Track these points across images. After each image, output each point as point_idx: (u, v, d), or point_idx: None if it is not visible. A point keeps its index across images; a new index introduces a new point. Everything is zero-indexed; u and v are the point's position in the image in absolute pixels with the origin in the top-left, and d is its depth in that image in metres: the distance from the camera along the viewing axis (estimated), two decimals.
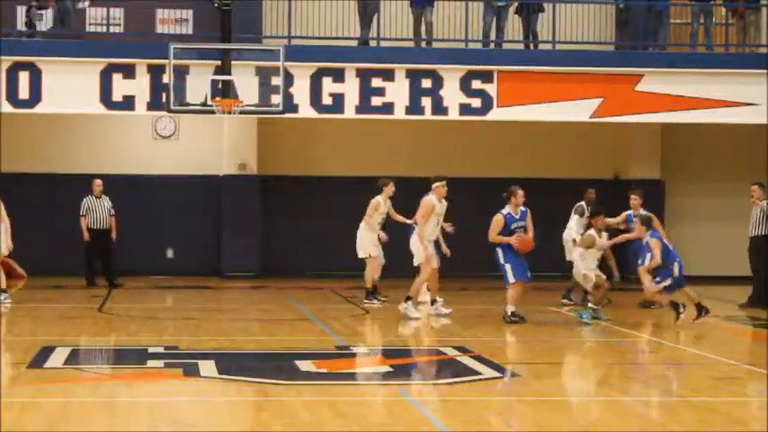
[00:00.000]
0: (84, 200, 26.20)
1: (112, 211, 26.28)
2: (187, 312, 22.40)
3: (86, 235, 26.17)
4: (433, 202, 20.60)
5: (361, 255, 23.56)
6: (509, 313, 19.81)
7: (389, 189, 23.71)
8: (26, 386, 14.36)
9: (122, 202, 26.59)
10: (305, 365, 15.63)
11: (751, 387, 15.29)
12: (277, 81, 25.05)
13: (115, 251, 26.32)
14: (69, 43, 26.72)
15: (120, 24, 27.84)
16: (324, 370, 15.44)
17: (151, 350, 17.15)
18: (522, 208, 20.04)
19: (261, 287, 27.14)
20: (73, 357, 16.54)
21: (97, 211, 26.26)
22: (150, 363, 16.21)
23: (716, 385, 15.19)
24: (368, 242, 23.50)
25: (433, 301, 21.89)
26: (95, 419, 12.38)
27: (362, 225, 23.60)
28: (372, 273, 23.53)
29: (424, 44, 27.01)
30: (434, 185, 20.71)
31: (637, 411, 13.00)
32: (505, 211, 19.62)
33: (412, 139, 28.24)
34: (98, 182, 26.33)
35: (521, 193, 19.75)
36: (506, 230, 19.30)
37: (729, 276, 27.09)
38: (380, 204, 23.54)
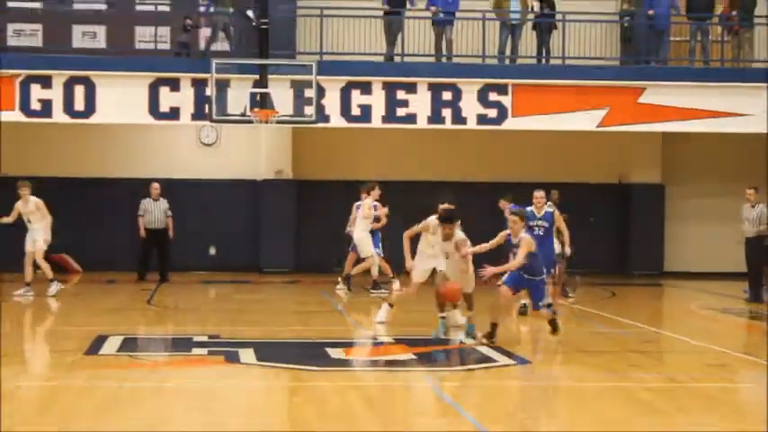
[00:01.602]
0: (143, 202, 26.33)
1: (169, 213, 26.38)
2: (228, 304, 22.49)
3: (143, 233, 26.37)
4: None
5: (364, 255, 23.85)
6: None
7: (376, 193, 24.04)
8: (83, 371, 14.48)
9: (169, 204, 26.68)
10: (335, 353, 15.69)
11: (743, 373, 15.37)
12: (310, 93, 25.17)
13: (170, 249, 26.52)
14: (120, 59, 26.87)
15: (166, 41, 27.93)
16: (353, 357, 15.50)
17: (196, 339, 17.28)
18: (549, 209, 19.69)
19: (295, 282, 27.17)
20: (125, 345, 16.59)
21: (154, 212, 26.38)
22: (195, 350, 16.29)
23: (710, 371, 15.25)
24: (367, 242, 23.78)
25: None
26: (145, 402, 12.50)
27: (360, 227, 23.84)
28: (367, 267, 23.98)
29: (444, 59, 27.02)
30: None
31: (638, 396, 13.03)
32: (529, 208, 19.00)
33: (433, 146, 28.24)
34: (155, 185, 26.46)
35: (538, 194, 19.45)
36: (525, 226, 17.72)
37: (722, 273, 27.06)
38: (370, 206, 23.87)
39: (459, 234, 17.65)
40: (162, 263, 26.62)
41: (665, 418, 11.69)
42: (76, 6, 28.21)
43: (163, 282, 25.97)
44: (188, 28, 25.98)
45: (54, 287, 22.42)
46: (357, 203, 23.96)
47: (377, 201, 23.73)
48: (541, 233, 18.88)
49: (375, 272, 23.85)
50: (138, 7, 28.32)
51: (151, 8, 28.23)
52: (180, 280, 26.15)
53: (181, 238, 27.03)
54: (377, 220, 23.62)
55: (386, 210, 23.75)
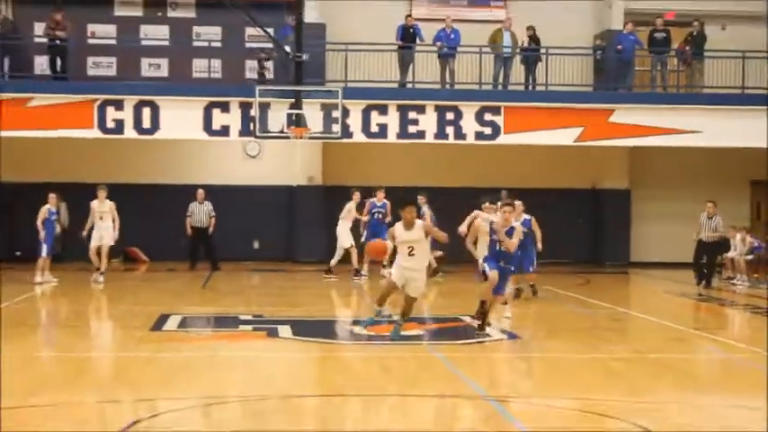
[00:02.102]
0: (190, 205, 26.33)
1: (212, 213, 26.28)
2: (269, 289, 22.46)
3: (189, 231, 26.35)
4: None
5: (345, 246, 24.01)
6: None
7: (356, 197, 24.30)
8: (148, 345, 14.49)
9: (221, 205, 26.62)
10: (359, 330, 15.68)
11: (696, 346, 15.33)
12: (336, 114, 25.17)
13: (214, 243, 26.53)
14: (180, 86, 26.93)
15: (218, 71, 27.98)
16: (373, 333, 15.48)
17: (242, 317, 17.25)
18: (527, 216, 18.69)
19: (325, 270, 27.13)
20: (183, 323, 16.66)
21: (199, 213, 26.31)
22: (241, 327, 16.31)
23: (669, 345, 15.21)
24: (346, 236, 24.00)
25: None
26: (200, 370, 12.50)
27: (341, 223, 24.09)
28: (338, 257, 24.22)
29: (447, 86, 26.99)
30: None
31: (609, 366, 13.00)
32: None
33: (437, 157, 28.14)
34: (200, 191, 26.40)
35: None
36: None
37: (678, 263, 26.98)
38: (352, 208, 24.09)
39: (420, 222, 14.05)
40: (209, 255, 26.59)
41: (631, 382, 11.69)
42: (144, 42, 28.28)
43: (214, 270, 25.95)
44: (262, 62, 26.00)
45: (101, 278, 22.12)
46: (348, 205, 24.23)
47: (386, 201, 23.80)
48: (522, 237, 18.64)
49: (353, 261, 24.06)
50: (195, 43, 28.35)
51: (205, 44, 28.30)
52: (229, 268, 26.12)
53: (230, 233, 27.02)
54: (385, 216, 23.62)
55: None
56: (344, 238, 24.04)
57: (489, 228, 14.57)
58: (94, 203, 22.17)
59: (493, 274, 14.27)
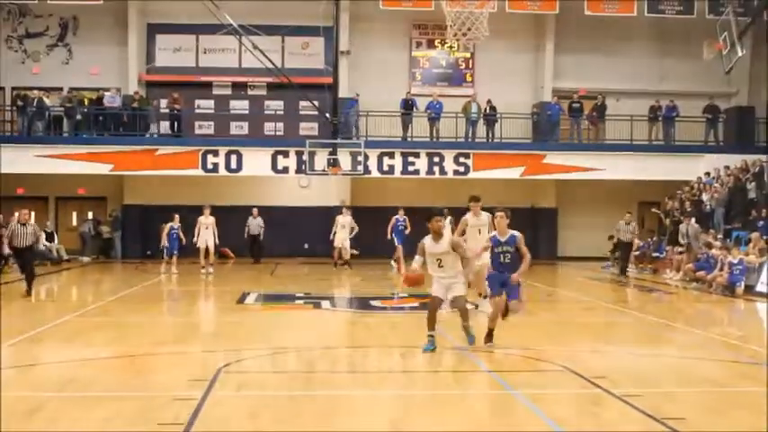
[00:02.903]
0: (249, 219, 25.98)
1: (261, 225, 25.87)
2: (315, 276, 22.43)
3: (246, 236, 25.93)
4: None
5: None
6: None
7: (346, 213, 24.10)
8: (235, 313, 14.53)
9: (282, 220, 26.62)
10: (376, 303, 15.70)
11: (604, 312, 15.32)
12: (360, 158, 25.27)
13: (262, 245, 26.19)
14: (256, 140, 27.05)
15: (282, 131, 28.14)
16: (386, 305, 15.51)
17: (297, 295, 17.22)
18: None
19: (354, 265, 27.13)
20: (259, 298, 16.64)
21: (252, 225, 25.90)
22: (297, 301, 16.31)
23: (585, 312, 15.18)
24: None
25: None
26: (269, 330, 12.54)
27: (342, 233, 23.69)
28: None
29: (435, 139, 27.00)
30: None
31: (543, 327, 12.97)
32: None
33: (427, 187, 28.03)
34: (255, 210, 25.98)
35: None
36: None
37: (590, 257, 26.93)
38: (345, 221, 23.74)
39: (449, 237, 10.76)
40: (257, 253, 26.13)
41: (558, 338, 11.68)
42: (232, 111, 28.38)
43: (255, 263, 25.62)
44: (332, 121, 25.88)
45: (211, 269, 21.82)
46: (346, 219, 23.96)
47: (405, 216, 23.54)
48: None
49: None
50: (266, 112, 28.43)
51: (272, 112, 28.40)
52: (288, 262, 26.05)
53: (289, 238, 26.94)
54: (406, 227, 23.32)
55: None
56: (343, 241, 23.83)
57: (492, 241, 10.25)
58: (201, 218, 22.07)
59: (494, 302, 10.27)
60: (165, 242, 22.32)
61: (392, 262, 23.53)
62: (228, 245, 25.43)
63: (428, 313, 10.29)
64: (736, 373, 9.35)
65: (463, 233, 13.46)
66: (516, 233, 10.13)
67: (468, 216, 13.68)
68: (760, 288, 17.82)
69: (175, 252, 22.11)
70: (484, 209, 13.54)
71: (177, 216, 22.29)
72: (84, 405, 7.40)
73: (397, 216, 23.77)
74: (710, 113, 27.68)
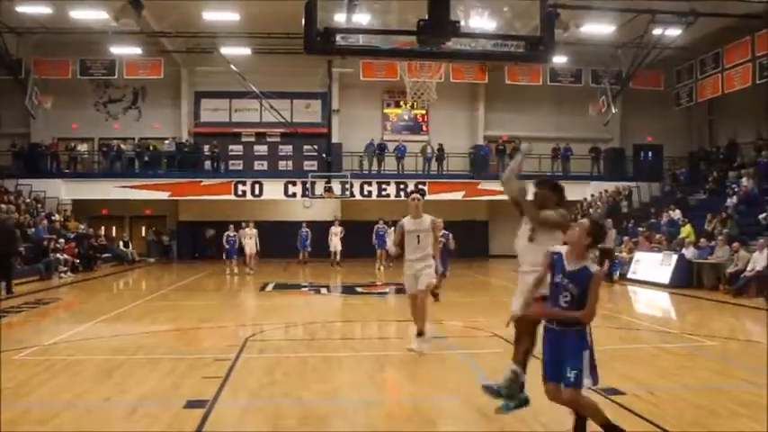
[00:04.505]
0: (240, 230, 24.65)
1: (257, 238, 22.69)
2: (315, 271, 22.28)
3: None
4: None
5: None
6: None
7: (337, 225, 23.80)
8: (257, 297, 14.43)
9: (290, 232, 25.91)
10: (361, 289, 15.67)
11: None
12: (347, 186, 25.21)
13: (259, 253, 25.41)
14: (273, 172, 26.87)
15: (291, 167, 27.90)
16: (368, 291, 15.47)
17: (302, 284, 17.14)
18: (445, 231, 12.29)
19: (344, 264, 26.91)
20: (275, 287, 16.50)
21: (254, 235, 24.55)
22: (302, 288, 16.16)
23: (510, 294, 15.19)
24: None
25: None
26: (283, 309, 12.44)
27: (335, 239, 23.28)
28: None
29: (400, 171, 26.94)
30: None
31: (482, 305, 12.92)
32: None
33: (396, 206, 27.92)
34: (251, 223, 22.03)
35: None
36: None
37: (514, 255, 26.91)
38: (337, 230, 23.46)
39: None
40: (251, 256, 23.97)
41: (490, 312, 11.60)
42: (256, 153, 28.22)
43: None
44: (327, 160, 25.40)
45: (254, 268, 20.88)
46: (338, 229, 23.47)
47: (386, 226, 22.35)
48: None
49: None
50: (280, 153, 28.25)
51: (284, 153, 28.22)
52: (296, 262, 25.69)
53: (296, 244, 26.38)
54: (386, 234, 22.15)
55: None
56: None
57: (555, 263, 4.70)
58: (246, 230, 21.01)
59: (548, 389, 4.70)
60: (225, 246, 20.87)
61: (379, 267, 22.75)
62: (258, 250, 25.14)
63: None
64: (614, 336, 9.48)
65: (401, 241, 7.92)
66: (594, 267, 4.59)
67: (406, 220, 8.01)
68: (631, 275, 18.06)
69: (234, 256, 20.73)
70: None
71: (232, 226, 21.05)
72: (150, 365, 7.38)
73: (377, 225, 23.63)
74: (594, 153, 28.07)
